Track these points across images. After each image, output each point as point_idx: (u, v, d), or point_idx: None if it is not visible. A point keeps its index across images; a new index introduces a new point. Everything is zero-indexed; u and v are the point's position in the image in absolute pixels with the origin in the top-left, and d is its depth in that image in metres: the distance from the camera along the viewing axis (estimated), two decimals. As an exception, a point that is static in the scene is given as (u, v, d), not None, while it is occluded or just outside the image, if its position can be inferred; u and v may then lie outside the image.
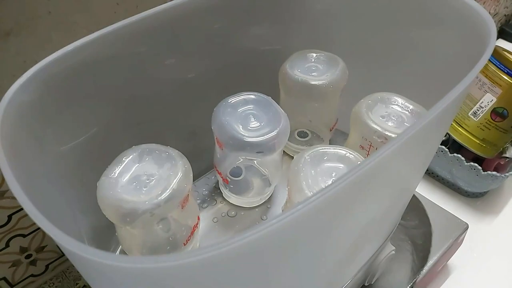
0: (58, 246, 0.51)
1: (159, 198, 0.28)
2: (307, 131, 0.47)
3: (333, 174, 0.31)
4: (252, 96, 0.37)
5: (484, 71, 0.63)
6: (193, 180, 0.31)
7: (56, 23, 0.38)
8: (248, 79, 0.42)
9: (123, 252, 0.36)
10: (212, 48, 0.41)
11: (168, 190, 0.28)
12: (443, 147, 0.65)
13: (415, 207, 0.55)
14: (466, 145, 0.66)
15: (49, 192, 0.29)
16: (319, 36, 0.46)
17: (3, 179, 0.41)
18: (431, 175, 0.71)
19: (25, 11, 0.35)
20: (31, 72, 0.27)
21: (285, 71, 0.41)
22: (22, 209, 0.37)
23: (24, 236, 0.47)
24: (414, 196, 0.55)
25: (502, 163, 0.68)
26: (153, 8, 0.33)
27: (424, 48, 0.39)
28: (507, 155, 0.70)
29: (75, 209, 0.33)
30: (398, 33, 0.41)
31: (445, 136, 0.69)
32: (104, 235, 0.36)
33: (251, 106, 0.36)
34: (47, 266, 0.52)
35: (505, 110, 0.62)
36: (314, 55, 0.43)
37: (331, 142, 0.48)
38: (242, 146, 0.34)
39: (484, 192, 0.68)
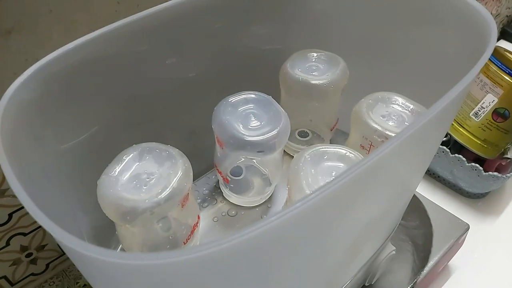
0: (58, 245, 0.51)
1: (159, 197, 0.28)
2: (308, 131, 0.47)
3: (333, 173, 0.31)
4: (253, 96, 0.37)
5: (486, 71, 0.63)
6: (194, 180, 0.31)
7: (57, 22, 0.38)
8: (249, 78, 0.42)
9: (123, 251, 0.36)
10: (212, 48, 0.41)
11: (168, 189, 0.28)
12: (444, 147, 0.65)
13: (416, 207, 0.55)
14: (467, 145, 0.66)
15: (49, 190, 0.29)
16: (320, 35, 0.46)
17: (4, 177, 0.41)
18: (432, 175, 0.71)
19: (26, 10, 0.36)
20: (32, 70, 0.27)
21: (285, 70, 0.41)
22: (22, 207, 0.38)
23: (24, 234, 0.47)
24: (415, 196, 0.55)
25: (503, 163, 0.68)
26: (154, 7, 0.33)
27: (425, 47, 0.39)
28: (508, 155, 0.70)
29: (75, 207, 0.33)
30: (398, 33, 0.41)
31: (446, 136, 0.69)
32: (104, 234, 0.36)
33: (251, 105, 0.36)
34: (47, 265, 0.52)
35: (506, 111, 0.62)
36: (315, 54, 0.43)
37: (331, 142, 0.48)
38: (243, 145, 0.34)
39: (485, 192, 0.68)
